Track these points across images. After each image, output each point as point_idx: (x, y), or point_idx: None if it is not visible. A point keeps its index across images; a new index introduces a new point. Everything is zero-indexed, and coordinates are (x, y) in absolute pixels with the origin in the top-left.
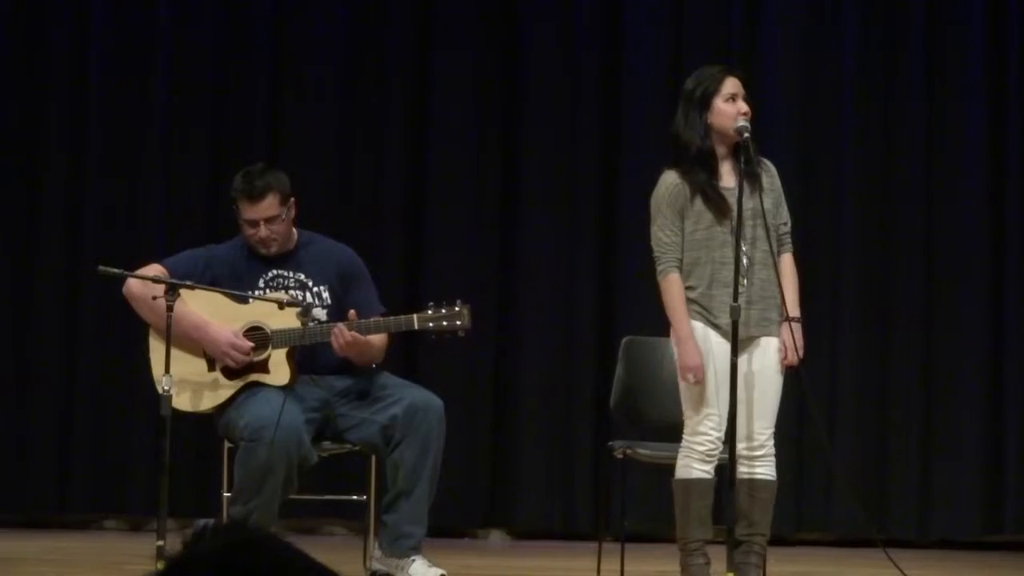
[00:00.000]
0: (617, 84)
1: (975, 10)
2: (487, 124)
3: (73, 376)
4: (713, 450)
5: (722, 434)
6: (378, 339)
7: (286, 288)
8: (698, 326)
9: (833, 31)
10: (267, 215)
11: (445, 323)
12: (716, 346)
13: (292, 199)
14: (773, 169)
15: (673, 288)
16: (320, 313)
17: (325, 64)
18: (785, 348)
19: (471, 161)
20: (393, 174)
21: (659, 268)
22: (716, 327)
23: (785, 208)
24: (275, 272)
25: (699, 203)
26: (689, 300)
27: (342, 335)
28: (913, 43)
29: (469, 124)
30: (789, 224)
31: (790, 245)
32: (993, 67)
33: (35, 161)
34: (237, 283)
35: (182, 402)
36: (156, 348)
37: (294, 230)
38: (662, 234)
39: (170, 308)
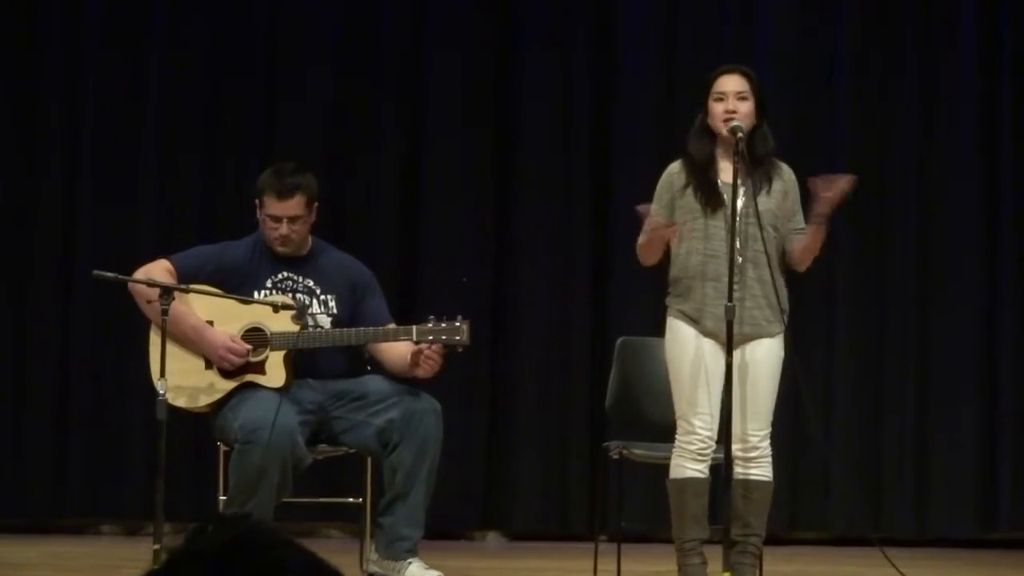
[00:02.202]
0: (611, 84)
1: (968, 9)
2: (481, 125)
3: (68, 380)
4: (705, 449)
5: (713, 433)
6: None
7: (294, 292)
8: (683, 327)
9: (827, 31)
10: (292, 214)
11: (444, 337)
12: (704, 344)
13: (316, 204)
14: (788, 174)
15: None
16: (324, 321)
17: (319, 67)
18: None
19: (465, 163)
20: (387, 178)
21: None
22: (702, 333)
23: (801, 215)
24: (285, 275)
25: (690, 195)
26: (674, 296)
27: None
28: (906, 42)
29: (463, 126)
30: (806, 231)
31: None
32: (987, 66)
33: (29, 162)
34: (245, 280)
35: (178, 399)
36: (155, 343)
37: (310, 236)
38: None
39: (165, 312)
